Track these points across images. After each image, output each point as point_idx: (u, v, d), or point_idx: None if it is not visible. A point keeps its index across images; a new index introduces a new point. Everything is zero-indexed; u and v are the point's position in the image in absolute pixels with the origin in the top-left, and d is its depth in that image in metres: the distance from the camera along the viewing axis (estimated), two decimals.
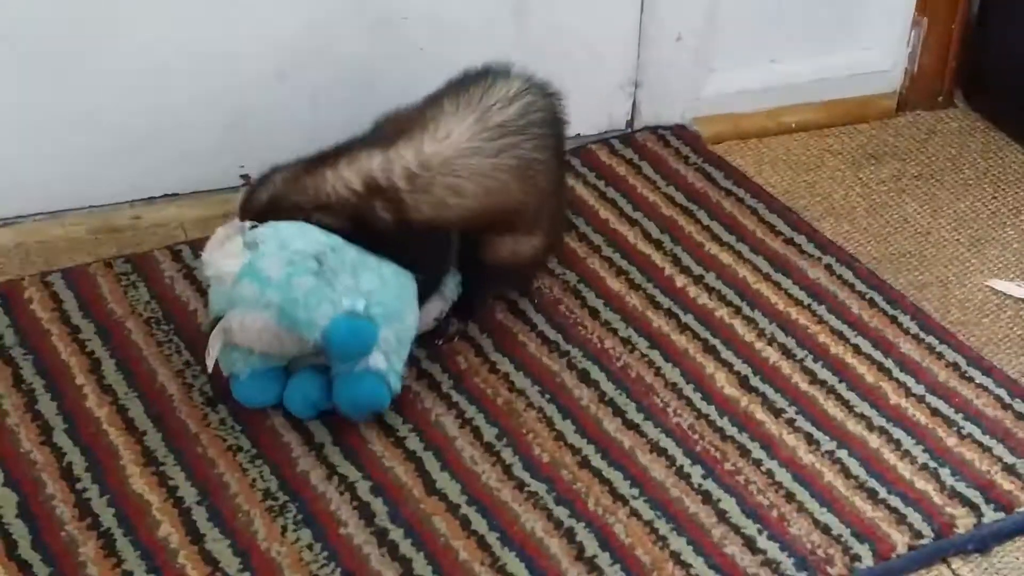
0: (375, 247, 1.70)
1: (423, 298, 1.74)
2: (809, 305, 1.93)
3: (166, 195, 2.05)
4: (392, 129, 1.72)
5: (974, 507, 1.63)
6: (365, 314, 1.63)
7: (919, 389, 1.80)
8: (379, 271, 1.68)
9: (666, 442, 1.70)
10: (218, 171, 2.04)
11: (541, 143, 1.74)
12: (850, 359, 1.84)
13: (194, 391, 1.73)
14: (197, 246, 1.86)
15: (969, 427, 1.74)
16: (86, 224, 2.01)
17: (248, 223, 1.67)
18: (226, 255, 1.65)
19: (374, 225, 1.70)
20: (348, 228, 1.69)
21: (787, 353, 1.85)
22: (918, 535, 1.60)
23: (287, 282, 1.62)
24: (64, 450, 1.64)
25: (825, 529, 1.60)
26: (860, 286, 1.97)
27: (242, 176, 2.06)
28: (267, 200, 1.71)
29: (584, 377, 1.79)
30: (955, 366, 1.83)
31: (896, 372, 1.82)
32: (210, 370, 1.68)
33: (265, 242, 1.64)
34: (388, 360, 1.65)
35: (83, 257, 1.95)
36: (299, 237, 1.66)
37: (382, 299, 1.65)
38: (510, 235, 1.79)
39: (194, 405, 1.71)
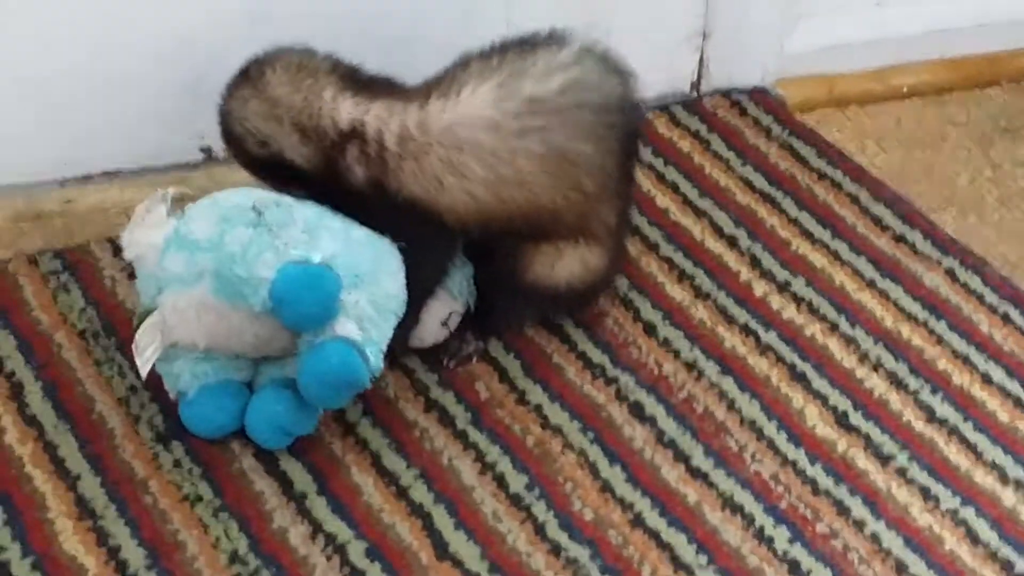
0: (343, 207, 1.71)
1: (415, 291, 1.74)
2: (925, 321, 1.94)
3: (106, 172, 2.07)
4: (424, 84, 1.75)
5: None
6: (323, 264, 1.64)
7: None
8: (345, 233, 1.69)
9: (742, 496, 1.71)
10: (172, 142, 2.06)
11: (589, 132, 1.72)
12: (978, 391, 1.85)
13: (141, 424, 1.74)
14: None
15: None
16: (3, 209, 2.02)
17: (171, 189, 1.71)
18: (147, 228, 1.69)
19: (342, 177, 1.72)
20: (313, 168, 1.72)
21: (897, 383, 1.85)
22: None
23: (220, 240, 1.65)
24: None
25: None
26: (991, 297, 1.98)
27: (203, 149, 2.07)
28: (256, 67, 1.74)
29: (637, 411, 1.80)
30: None
31: None
32: (144, 376, 1.70)
33: (193, 205, 1.69)
34: (363, 329, 1.66)
35: (0, 251, 1.96)
36: (235, 194, 1.71)
37: (349, 261, 1.66)
38: (549, 244, 1.78)
39: (142, 442, 1.72)
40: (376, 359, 1.66)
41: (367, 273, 1.67)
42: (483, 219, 1.73)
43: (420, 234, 1.72)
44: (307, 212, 1.69)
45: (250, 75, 1.74)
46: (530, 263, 1.80)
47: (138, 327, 1.69)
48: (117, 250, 1.92)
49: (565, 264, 1.80)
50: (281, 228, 1.66)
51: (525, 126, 1.70)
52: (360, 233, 1.70)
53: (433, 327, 1.82)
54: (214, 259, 1.65)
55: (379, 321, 1.68)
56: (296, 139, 1.72)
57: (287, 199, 1.70)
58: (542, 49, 1.72)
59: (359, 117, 1.71)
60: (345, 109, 1.71)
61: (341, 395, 1.69)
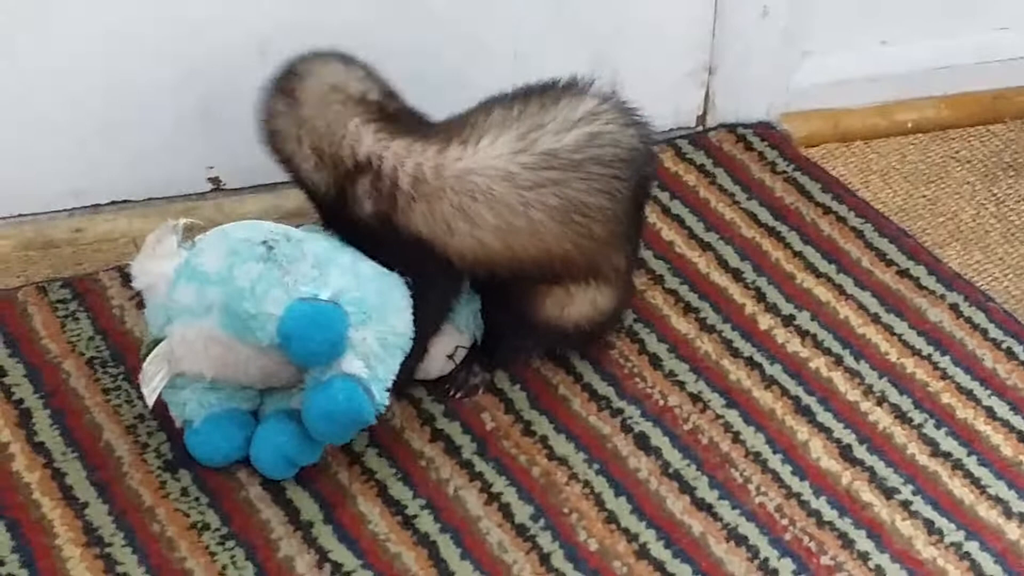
0: (350, 238, 1.73)
1: (421, 327, 1.75)
2: (929, 356, 1.95)
3: (114, 203, 2.08)
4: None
5: None
6: (331, 302, 1.66)
7: None
8: (354, 269, 1.71)
9: (747, 528, 1.71)
10: (181, 173, 2.08)
11: (603, 186, 1.73)
12: (982, 425, 1.85)
13: (149, 452, 1.75)
14: None
15: None
16: (13, 238, 2.04)
17: (182, 220, 1.73)
18: (157, 259, 1.71)
19: (350, 207, 1.73)
20: (322, 194, 1.73)
21: (901, 416, 1.86)
22: None
23: (229, 273, 1.66)
24: None
25: None
26: (995, 332, 1.99)
27: (211, 179, 2.08)
28: (294, 79, 1.73)
29: (642, 443, 1.81)
30: None
31: None
32: (150, 405, 1.71)
33: (204, 236, 1.71)
34: (370, 367, 1.67)
35: (9, 280, 1.99)
36: (245, 227, 1.72)
37: (357, 297, 1.68)
38: (559, 286, 1.80)
39: (149, 470, 1.73)
40: (382, 396, 1.68)
41: (375, 310, 1.69)
42: (490, 264, 1.75)
43: (425, 270, 1.74)
44: (317, 247, 1.71)
45: (284, 88, 1.73)
46: (540, 304, 1.81)
47: (146, 356, 1.70)
48: (125, 279, 1.95)
49: (575, 306, 1.81)
50: (291, 263, 1.67)
51: (541, 179, 1.71)
52: (368, 268, 1.72)
53: (439, 360, 1.84)
54: (223, 293, 1.66)
55: (385, 358, 1.69)
56: (312, 163, 1.73)
57: (297, 233, 1.72)
58: (563, 100, 1.73)
59: (378, 152, 1.71)
60: (366, 141, 1.72)
61: (346, 431, 1.71)
